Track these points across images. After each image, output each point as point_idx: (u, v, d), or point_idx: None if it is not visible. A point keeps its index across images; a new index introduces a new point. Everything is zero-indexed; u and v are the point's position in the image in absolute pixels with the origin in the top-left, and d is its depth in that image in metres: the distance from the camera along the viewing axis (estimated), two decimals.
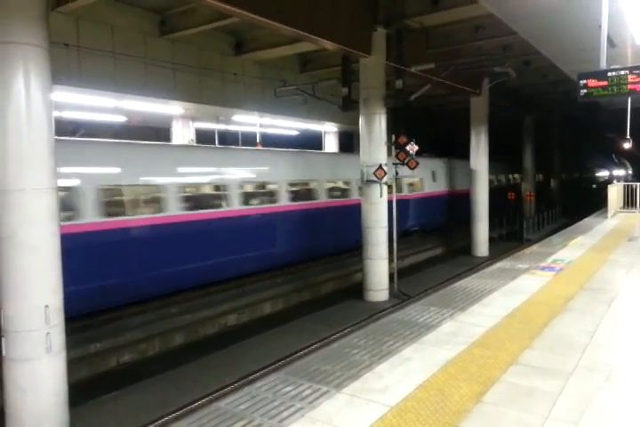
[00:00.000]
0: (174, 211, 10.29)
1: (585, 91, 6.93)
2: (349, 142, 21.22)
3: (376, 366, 4.47)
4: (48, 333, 5.90)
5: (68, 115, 12.85)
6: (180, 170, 10.74)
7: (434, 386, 4.07)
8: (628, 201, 18.01)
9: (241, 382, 7.42)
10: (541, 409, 3.68)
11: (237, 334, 10.05)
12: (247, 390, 4.13)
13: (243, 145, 16.90)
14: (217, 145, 16.40)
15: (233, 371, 8.10)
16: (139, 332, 9.21)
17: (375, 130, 12.15)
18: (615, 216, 16.75)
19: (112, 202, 9.45)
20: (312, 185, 14.12)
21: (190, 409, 6.81)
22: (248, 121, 16.81)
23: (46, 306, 5.89)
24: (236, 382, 7.60)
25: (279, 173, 13.10)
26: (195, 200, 10.97)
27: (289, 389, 4.10)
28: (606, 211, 17.17)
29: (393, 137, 12.55)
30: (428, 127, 25.05)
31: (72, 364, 6.92)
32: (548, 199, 30.40)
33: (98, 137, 11.53)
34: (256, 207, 12.31)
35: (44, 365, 5.92)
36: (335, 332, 9.69)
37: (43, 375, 5.92)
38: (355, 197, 14.85)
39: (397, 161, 12.47)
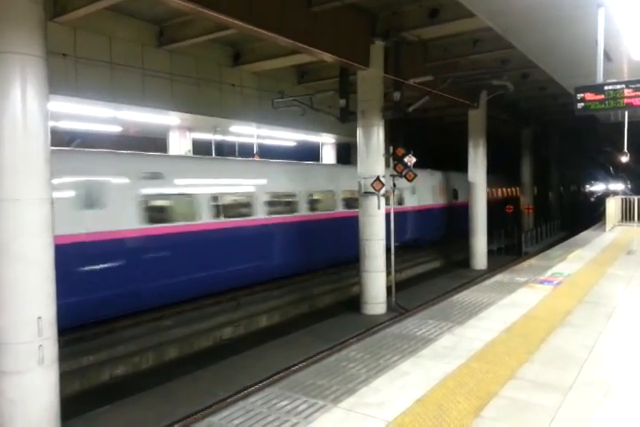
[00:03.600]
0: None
1: (582, 104, 6.97)
2: (347, 154, 21.22)
3: (373, 381, 4.41)
4: (40, 345, 5.81)
5: (64, 125, 12.84)
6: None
7: (432, 401, 4.01)
8: (626, 214, 18.03)
9: (235, 397, 7.31)
10: (540, 425, 3.63)
11: (233, 347, 9.94)
12: (242, 405, 4.06)
13: (239, 156, 16.87)
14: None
15: (228, 385, 7.98)
16: (132, 345, 9.09)
17: (373, 142, 12.13)
18: (613, 229, 16.74)
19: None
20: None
21: (184, 424, 6.71)
22: (245, 132, 16.83)
23: (39, 318, 5.80)
24: (230, 396, 7.48)
25: None
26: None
27: (284, 403, 4.03)
28: (604, 224, 17.17)
29: (391, 149, 12.54)
30: (426, 139, 25.11)
31: (64, 377, 6.82)
32: (546, 212, 30.43)
33: (94, 147, 11.49)
34: None
35: (36, 377, 5.81)
36: (332, 345, 9.59)
37: (34, 388, 5.81)
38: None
39: (395, 173, 12.46)
